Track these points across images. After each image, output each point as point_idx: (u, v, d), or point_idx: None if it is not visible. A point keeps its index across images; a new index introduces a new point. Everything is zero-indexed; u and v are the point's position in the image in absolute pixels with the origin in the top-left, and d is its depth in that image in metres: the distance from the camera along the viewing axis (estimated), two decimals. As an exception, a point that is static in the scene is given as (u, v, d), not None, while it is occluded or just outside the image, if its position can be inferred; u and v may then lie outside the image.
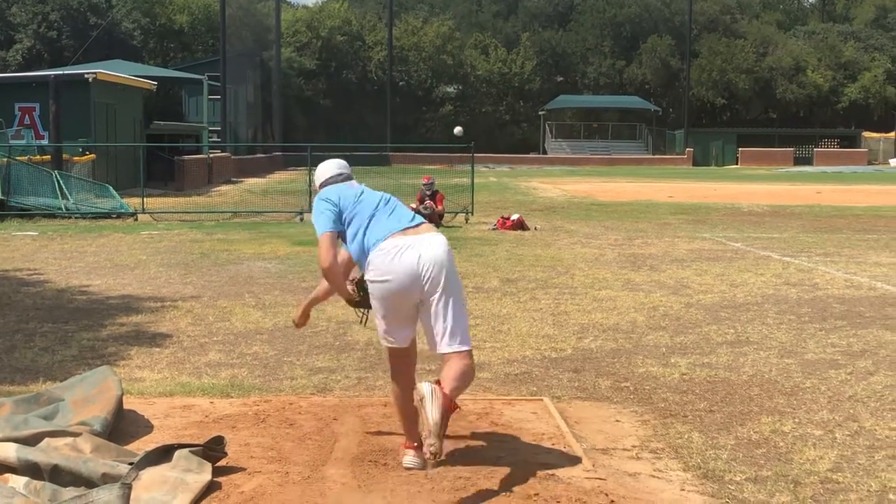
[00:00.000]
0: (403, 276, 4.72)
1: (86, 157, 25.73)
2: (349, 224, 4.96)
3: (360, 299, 5.06)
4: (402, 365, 5.01)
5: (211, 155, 37.63)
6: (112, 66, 36.07)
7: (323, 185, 5.24)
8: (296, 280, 11.65)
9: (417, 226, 4.90)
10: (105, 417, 5.18)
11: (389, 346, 4.96)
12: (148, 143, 31.84)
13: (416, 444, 4.89)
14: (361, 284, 5.00)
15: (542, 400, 6.26)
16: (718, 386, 6.78)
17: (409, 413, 4.87)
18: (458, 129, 23.11)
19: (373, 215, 4.94)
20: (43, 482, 4.44)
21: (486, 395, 6.44)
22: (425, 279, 4.71)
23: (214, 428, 5.42)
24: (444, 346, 4.74)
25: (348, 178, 5.26)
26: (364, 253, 4.88)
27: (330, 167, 5.31)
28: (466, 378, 4.73)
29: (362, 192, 5.10)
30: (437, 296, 4.72)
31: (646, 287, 11.29)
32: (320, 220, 4.99)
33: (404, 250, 4.75)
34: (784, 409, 6.19)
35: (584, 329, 8.78)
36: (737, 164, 63.81)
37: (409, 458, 4.89)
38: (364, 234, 4.89)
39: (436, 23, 73.88)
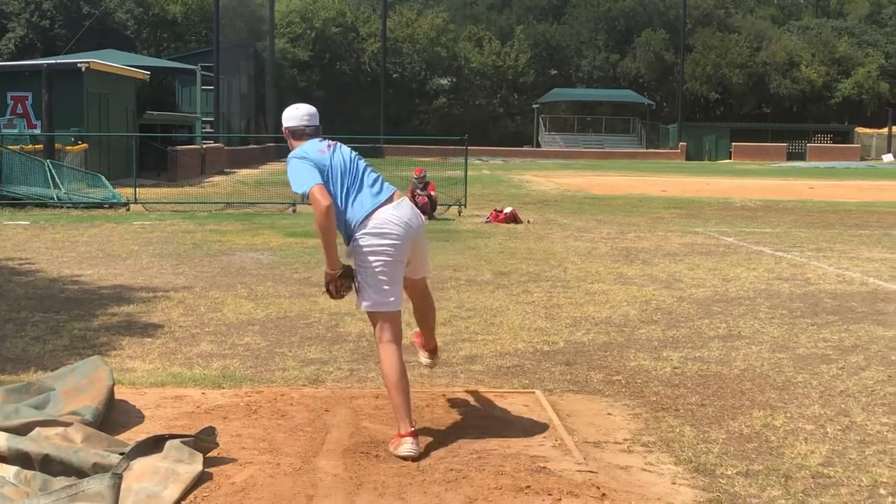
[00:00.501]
0: (403, 234, 5.16)
1: (78, 146, 25.66)
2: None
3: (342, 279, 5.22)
4: (399, 326, 5.25)
5: (204, 145, 37.55)
6: (105, 55, 35.95)
7: (292, 132, 5.42)
8: (288, 271, 11.64)
9: (390, 196, 5.26)
10: (96, 407, 5.17)
11: (393, 310, 5.16)
12: (141, 133, 31.76)
13: (412, 430, 4.96)
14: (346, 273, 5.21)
15: (534, 393, 6.26)
16: (710, 380, 6.79)
17: (406, 393, 5.09)
18: None
19: (348, 188, 5.19)
20: (33, 471, 4.43)
21: (478, 387, 6.43)
22: (416, 231, 5.25)
23: (206, 419, 5.41)
24: (425, 272, 5.54)
25: (315, 131, 5.44)
26: (347, 225, 5.15)
27: (298, 115, 5.47)
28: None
29: (332, 158, 5.26)
30: (422, 241, 5.35)
31: (638, 281, 11.30)
32: (305, 174, 5.14)
33: (392, 216, 5.16)
34: (776, 404, 6.20)
35: (576, 322, 8.78)
36: (730, 158, 63.87)
37: (408, 446, 4.91)
38: (345, 207, 5.15)
39: (430, 15, 73.83)
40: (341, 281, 5.18)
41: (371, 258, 5.10)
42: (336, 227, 5.11)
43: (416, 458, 4.86)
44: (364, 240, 5.10)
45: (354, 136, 49.07)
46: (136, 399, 5.79)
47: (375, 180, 5.28)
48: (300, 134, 5.41)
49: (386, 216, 5.13)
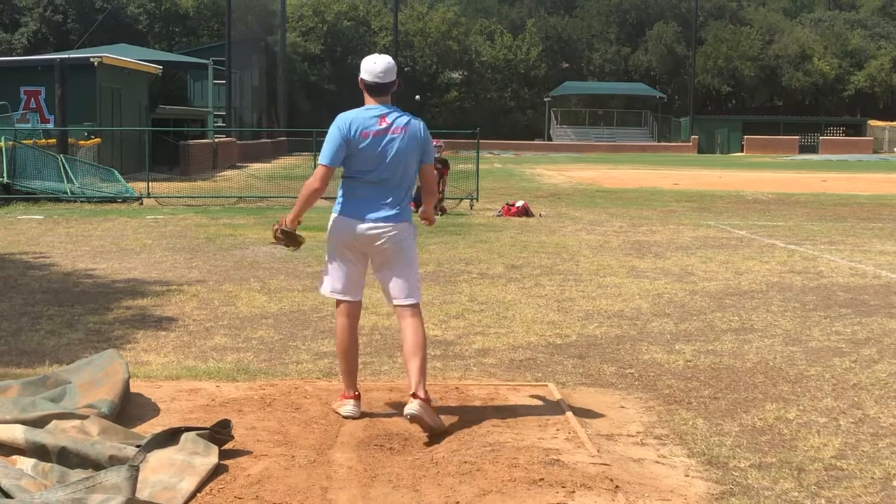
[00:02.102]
0: None
1: (91, 141, 25.74)
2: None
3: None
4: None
5: (216, 140, 37.60)
6: (117, 50, 36.03)
7: (365, 85, 5.43)
8: (301, 265, 11.67)
9: None
10: (112, 400, 5.20)
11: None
12: (153, 128, 31.84)
13: (355, 394, 5.48)
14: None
15: (546, 386, 6.27)
16: (723, 373, 6.80)
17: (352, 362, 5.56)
18: None
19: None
20: (51, 464, 4.46)
21: (492, 380, 6.46)
22: None
23: (221, 411, 5.44)
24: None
25: (383, 90, 5.42)
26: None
27: (374, 70, 5.38)
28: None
29: (381, 143, 5.42)
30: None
31: (650, 274, 11.30)
32: (329, 147, 5.43)
33: None
34: (788, 397, 6.20)
35: (588, 315, 8.79)
36: (742, 151, 63.74)
37: (349, 407, 5.43)
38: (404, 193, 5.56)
39: (441, 8, 73.82)
40: (286, 236, 5.81)
41: None
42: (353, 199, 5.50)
43: (356, 418, 5.35)
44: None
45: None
46: (152, 392, 5.82)
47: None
48: (368, 89, 5.41)
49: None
